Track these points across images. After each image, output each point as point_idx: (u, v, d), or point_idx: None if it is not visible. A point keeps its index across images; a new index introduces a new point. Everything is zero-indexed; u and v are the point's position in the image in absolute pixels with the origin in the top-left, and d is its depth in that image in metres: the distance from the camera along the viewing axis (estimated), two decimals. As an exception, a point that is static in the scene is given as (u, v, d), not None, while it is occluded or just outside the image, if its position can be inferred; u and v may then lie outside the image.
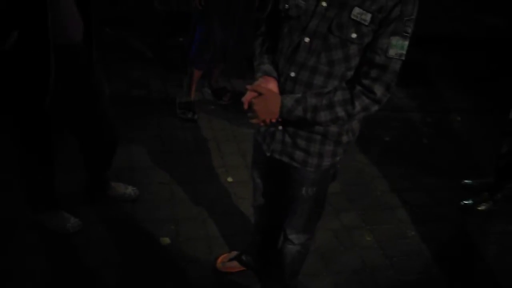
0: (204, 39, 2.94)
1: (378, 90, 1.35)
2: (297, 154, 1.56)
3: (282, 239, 1.91)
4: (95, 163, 2.26)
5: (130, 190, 2.43)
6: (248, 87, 1.46)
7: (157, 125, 3.11)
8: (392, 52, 1.31)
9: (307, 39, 1.37)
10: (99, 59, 1.95)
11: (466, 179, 3.09)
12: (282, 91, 1.46)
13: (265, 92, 1.43)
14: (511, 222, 2.89)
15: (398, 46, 1.31)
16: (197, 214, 2.47)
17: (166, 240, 2.26)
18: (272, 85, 1.46)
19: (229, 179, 2.77)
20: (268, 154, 1.62)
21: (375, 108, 1.40)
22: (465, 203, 2.91)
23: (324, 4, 1.33)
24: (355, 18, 1.30)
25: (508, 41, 4.60)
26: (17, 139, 1.94)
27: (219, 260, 2.20)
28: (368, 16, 1.29)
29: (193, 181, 2.68)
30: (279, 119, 1.46)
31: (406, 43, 1.33)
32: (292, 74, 1.43)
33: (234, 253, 2.22)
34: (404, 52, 1.34)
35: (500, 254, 2.61)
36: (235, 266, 2.18)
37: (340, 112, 1.39)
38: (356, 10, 1.29)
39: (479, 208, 2.91)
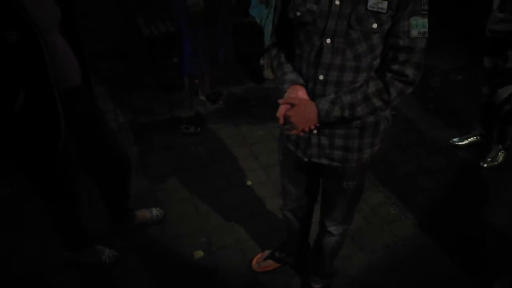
0: (192, 49, 3.00)
1: (409, 71, 1.34)
2: (336, 154, 1.54)
3: (320, 231, 1.93)
4: (113, 194, 2.31)
5: (154, 212, 2.49)
6: (280, 101, 1.43)
7: (169, 146, 3.17)
8: (414, 33, 1.30)
9: (328, 40, 1.35)
10: (100, 94, 1.99)
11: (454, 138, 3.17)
12: (313, 96, 1.43)
13: (298, 102, 1.40)
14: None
15: (419, 25, 1.30)
16: (224, 222, 2.52)
17: (200, 253, 2.32)
18: (302, 93, 1.43)
19: (248, 182, 2.82)
20: (306, 160, 1.59)
21: (409, 90, 1.38)
22: (484, 163, 2.95)
23: (337, 2, 1.31)
24: (372, 9, 1.28)
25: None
26: (38, 190, 1.99)
27: (254, 261, 2.26)
28: (384, 4, 1.27)
29: (214, 191, 2.74)
30: (317, 124, 1.43)
31: (426, 20, 1.31)
32: (321, 77, 1.40)
33: (267, 252, 2.27)
34: (426, 29, 1.32)
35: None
36: (270, 264, 2.24)
37: (377, 102, 1.38)
38: (372, 0, 1.28)
39: (498, 162, 2.95)
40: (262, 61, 4.03)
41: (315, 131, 1.50)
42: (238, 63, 4.21)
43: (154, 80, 4.01)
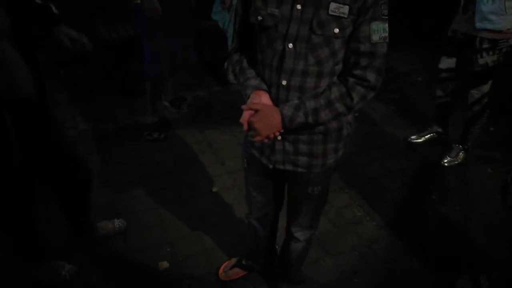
0: (152, 54, 2.95)
1: (371, 76, 1.34)
2: (300, 160, 1.53)
3: (286, 237, 1.91)
4: (73, 207, 2.22)
5: (117, 223, 2.41)
6: (243, 107, 1.40)
7: (132, 153, 3.09)
8: (375, 38, 1.31)
9: (290, 45, 1.34)
10: (58, 102, 1.92)
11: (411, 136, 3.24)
12: (276, 101, 1.42)
13: (262, 108, 1.38)
14: (488, 164, 3.01)
15: (380, 30, 1.31)
16: (189, 231, 2.47)
17: (165, 264, 2.26)
18: (265, 99, 1.41)
19: (214, 189, 2.78)
20: (271, 167, 1.58)
21: (371, 95, 1.39)
22: (445, 162, 3.02)
23: (299, 7, 1.31)
24: (333, 13, 1.28)
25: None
26: None
27: (221, 270, 2.22)
28: (345, 9, 1.27)
29: (179, 200, 2.69)
30: (281, 131, 1.42)
31: (387, 25, 1.32)
32: (284, 82, 1.38)
33: (234, 260, 2.23)
34: (387, 34, 1.33)
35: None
36: (238, 272, 2.20)
37: (340, 107, 1.37)
38: (333, 5, 1.28)
39: (459, 161, 3.03)
40: (226, 65, 4.00)
41: (279, 137, 1.48)
42: (202, 67, 4.16)
43: (115, 85, 3.91)
